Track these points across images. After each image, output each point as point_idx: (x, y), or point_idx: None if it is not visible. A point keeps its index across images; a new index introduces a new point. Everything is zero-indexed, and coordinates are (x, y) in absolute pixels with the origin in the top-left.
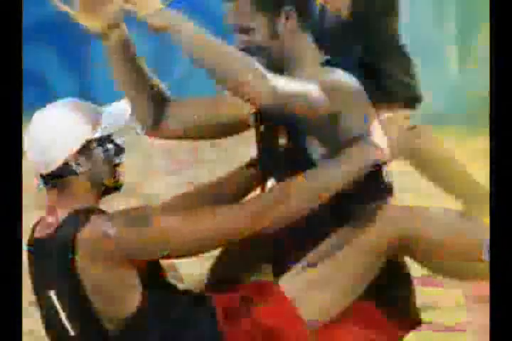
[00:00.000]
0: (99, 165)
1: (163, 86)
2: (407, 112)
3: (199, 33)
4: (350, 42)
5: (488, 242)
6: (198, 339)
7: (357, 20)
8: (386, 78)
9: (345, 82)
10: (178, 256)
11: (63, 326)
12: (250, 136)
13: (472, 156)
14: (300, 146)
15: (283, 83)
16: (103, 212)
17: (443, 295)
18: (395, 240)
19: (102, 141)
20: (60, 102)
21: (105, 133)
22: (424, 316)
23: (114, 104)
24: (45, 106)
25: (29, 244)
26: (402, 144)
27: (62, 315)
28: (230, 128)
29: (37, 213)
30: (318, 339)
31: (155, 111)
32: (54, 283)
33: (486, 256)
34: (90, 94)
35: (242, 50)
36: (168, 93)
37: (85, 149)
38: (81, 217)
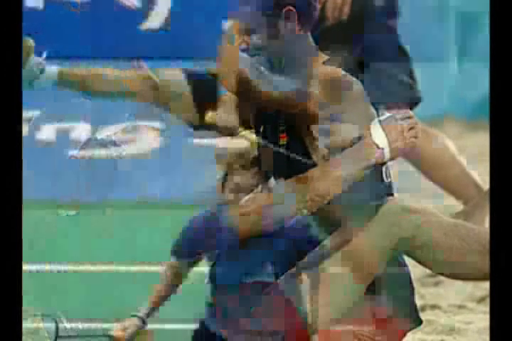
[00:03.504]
0: None
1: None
2: (407, 112)
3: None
4: (350, 42)
5: None
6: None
7: (357, 20)
8: (386, 78)
9: (345, 82)
10: None
11: None
12: None
13: (472, 156)
14: (300, 146)
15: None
16: None
17: (443, 295)
18: (396, 240)
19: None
20: None
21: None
22: (424, 316)
23: None
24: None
25: None
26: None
27: None
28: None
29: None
30: (318, 339)
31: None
32: None
33: None
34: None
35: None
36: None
37: None
38: None
